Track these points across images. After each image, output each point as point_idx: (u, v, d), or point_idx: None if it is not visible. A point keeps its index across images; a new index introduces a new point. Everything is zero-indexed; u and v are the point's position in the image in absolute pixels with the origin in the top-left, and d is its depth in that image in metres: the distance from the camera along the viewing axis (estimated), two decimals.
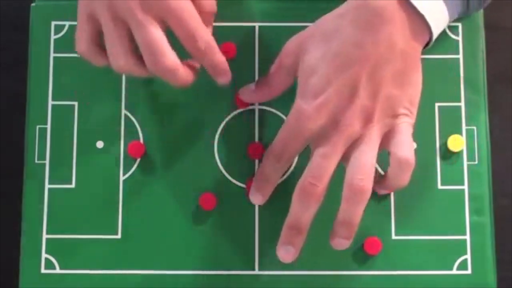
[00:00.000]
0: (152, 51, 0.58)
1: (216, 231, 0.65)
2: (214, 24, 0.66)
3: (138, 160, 0.65)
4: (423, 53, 0.66)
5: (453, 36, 0.67)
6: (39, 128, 0.66)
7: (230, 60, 0.65)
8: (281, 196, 0.65)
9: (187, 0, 0.58)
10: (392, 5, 0.57)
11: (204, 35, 0.59)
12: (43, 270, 0.64)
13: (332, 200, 0.65)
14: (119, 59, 0.59)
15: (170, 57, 0.58)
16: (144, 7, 0.57)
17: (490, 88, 0.67)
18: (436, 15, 0.59)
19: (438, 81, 0.66)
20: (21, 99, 0.67)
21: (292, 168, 0.65)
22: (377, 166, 0.65)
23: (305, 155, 0.66)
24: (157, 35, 0.58)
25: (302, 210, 0.58)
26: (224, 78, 0.61)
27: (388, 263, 0.64)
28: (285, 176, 0.65)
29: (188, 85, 0.60)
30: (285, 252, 0.59)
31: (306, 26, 0.66)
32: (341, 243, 0.59)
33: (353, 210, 0.58)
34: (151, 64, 0.58)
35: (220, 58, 0.60)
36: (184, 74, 0.59)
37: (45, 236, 0.65)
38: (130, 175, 0.65)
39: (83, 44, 0.60)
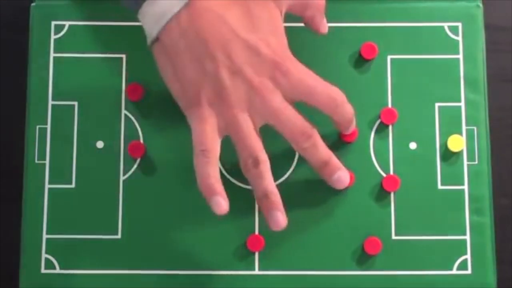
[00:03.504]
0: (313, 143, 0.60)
1: (216, 231, 0.65)
2: None
3: (138, 160, 0.65)
4: (423, 53, 0.67)
5: (453, 36, 0.67)
6: (39, 128, 0.66)
7: None
8: (282, 196, 0.65)
9: (305, 67, 0.60)
10: None
11: (337, 90, 0.61)
12: (43, 270, 0.64)
13: (333, 201, 0.65)
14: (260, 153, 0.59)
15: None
16: (277, 92, 0.59)
17: (490, 88, 0.67)
18: None
19: (438, 81, 0.66)
20: (21, 99, 0.67)
21: (292, 168, 0.65)
22: (377, 166, 0.65)
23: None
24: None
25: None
26: (350, 129, 0.64)
27: (388, 263, 0.64)
28: (284, 177, 0.65)
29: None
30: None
31: (305, 27, 0.67)
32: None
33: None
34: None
35: (352, 112, 0.62)
36: None
37: (45, 236, 0.65)
38: (130, 175, 0.65)
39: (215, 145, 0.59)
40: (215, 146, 0.59)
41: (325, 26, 0.64)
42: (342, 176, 0.62)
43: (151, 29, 0.59)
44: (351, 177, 0.63)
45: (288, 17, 0.67)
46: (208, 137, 0.58)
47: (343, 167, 0.62)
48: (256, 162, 0.58)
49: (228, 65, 0.58)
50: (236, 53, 0.58)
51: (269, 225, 0.59)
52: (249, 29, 0.58)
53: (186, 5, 0.58)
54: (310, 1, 0.62)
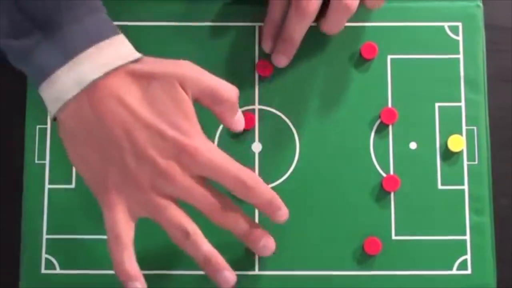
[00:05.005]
0: (218, 210, 0.58)
1: (216, 231, 0.64)
2: (215, 24, 0.66)
3: None
4: (423, 53, 0.67)
5: (453, 36, 0.67)
6: (39, 128, 0.66)
7: (229, 59, 0.66)
8: (282, 196, 0.65)
9: (215, 147, 0.58)
10: None
11: (248, 173, 0.58)
12: (43, 270, 0.64)
13: (333, 201, 0.65)
14: (186, 227, 0.58)
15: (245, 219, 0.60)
16: (185, 173, 0.57)
17: (490, 88, 0.67)
18: None
19: (438, 81, 0.66)
20: (21, 99, 0.67)
21: (292, 168, 0.65)
22: (377, 166, 0.65)
23: (305, 156, 0.66)
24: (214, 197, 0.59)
25: (295, 24, 0.62)
26: (281, 212, 0.60)
27: (388, 263, 0.64)
28: (284, 177, 0.65)
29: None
30: (279, 59, 0.65)
31: None
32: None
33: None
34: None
35: (271, 192, 0.59)
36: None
37: (45, 236, 0.65)
38: None
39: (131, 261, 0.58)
40: (127, 231, 0.57)
41: (238, 123, 0.61)
42: (268, 244, 0.61)
43: (51, 108, 0.57)
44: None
45: None
46: (118, 223, 0.57)
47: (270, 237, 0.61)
48: (187, 234, 0.57)
49: (132, 150, 0.56)
50: (139, 137, 0.56)
51: (220, 286, 0.59)
52: (151, 112, 0.57)
53: (86, 89, 0.56)
54: (222, 95, 0.59)
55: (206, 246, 0.58)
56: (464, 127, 0.66)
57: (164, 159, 0.56)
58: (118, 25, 0.59)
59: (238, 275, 0.64)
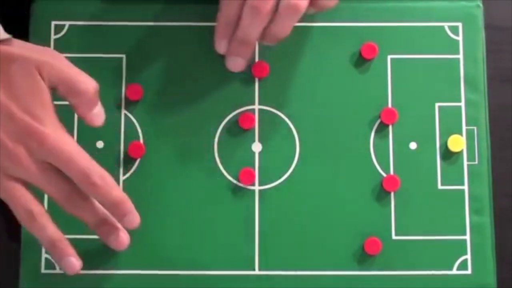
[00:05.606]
0: (65, 197, 0.58)
1: (216, 231, 0.65)
2: (214, 24, 0.66)
3: (138, 160, 0.65)
4: (423, 53, 0.67)
5: (453, 36, 0.67)
6: None
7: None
8: (282, 196, 0.65)
9: (69, 138, 0.58)
10: None
11: (98, 170, 0.58)
12: (43, 270, 0.64)
13: (333, 201, 0.65)
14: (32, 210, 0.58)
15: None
16: (33, 158, 0.57)
17: (490, 88, 0.67)
18: None
19: (438, 81, 0.66)
20: None
21: (292, 168, 0.65)
22: (377, 166, 0.65)
23: (305, 156, 0.66)
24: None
25: (250, 23, 0.60)
26: (130, 218, 0.60)
27: (388, 263, 0.64)
28: (284, 177, 0.65)
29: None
30: (234, 62, 0.63)
31: (306, 26, 0.67)
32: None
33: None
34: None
35: (119, 194, 0.59)
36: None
37: None
38: (130, 175, 0.65)
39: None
40: None
41: (95, 118, 0.60)
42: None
43: None
44: None
45: None
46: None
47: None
48: (31, 216, 0.58)
49: None
50: None
51: (65, 272, 0.59)
52: (5, 93, 0.56)
53: None
54: (79, 87, 0.58)
55: (51, 229, 0.58)
56: (464, 127, 0.66)
57: (12, 142, 0.56)
58: (123, 26, 0.58)
59: (238, 275, 0.64)
